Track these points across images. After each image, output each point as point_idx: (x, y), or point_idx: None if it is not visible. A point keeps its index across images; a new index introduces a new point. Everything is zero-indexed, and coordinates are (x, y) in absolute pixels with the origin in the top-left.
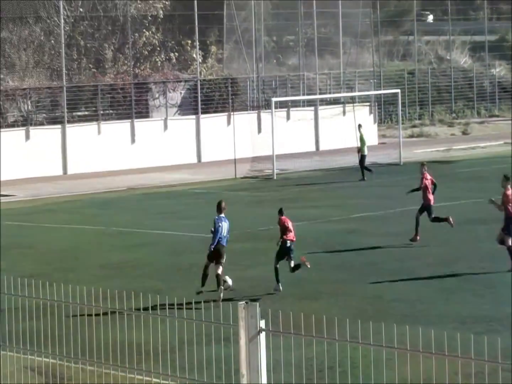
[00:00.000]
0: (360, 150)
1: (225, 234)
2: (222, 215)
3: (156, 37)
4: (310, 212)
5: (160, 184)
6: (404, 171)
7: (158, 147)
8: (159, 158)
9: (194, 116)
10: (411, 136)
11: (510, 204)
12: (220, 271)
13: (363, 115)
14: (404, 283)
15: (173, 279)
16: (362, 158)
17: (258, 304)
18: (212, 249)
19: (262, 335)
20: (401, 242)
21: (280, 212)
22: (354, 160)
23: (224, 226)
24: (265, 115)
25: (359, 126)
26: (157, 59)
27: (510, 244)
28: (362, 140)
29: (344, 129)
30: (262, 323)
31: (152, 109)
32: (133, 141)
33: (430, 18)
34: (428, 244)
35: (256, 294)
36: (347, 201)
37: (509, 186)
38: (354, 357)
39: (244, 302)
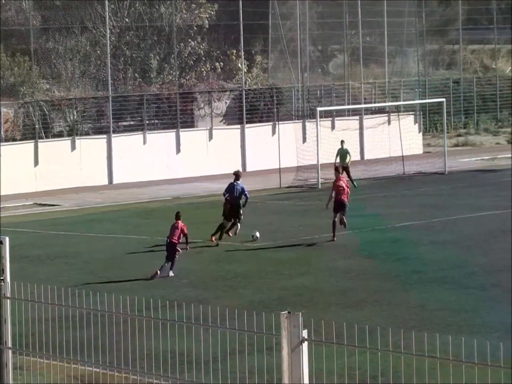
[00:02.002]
0: (341, 165)
1: (236, 195)
2: (239, 181)
3: (201, 46)
4: (354, 221)
5: (205, 193)
6: (449, 180)
7: (203, 156)
8: (204, 167)
9: (239, 126)
10: (456, 145)
11: None
12: (237, 230)
13: (408, 124)
14: (447, 292)
15: (218, 288)
16: (347, 169)
17: (300, 313)
18: (227, 205)
19: (305, 345)
20: (445, 251)
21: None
22: (399, 169)
23: (237, 188)
24: (310, 125)
25: (342, 142)
26: (203, 69)
27: None
28: (345, 155)
29: (388, 138)
30: (305, 333)
31: (197, 119)
32: (178, 150)
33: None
34: (472, 253)
35: (300, 304)
36: (391, 210)
37: None
38: (396, 367)
39: (286, 311)
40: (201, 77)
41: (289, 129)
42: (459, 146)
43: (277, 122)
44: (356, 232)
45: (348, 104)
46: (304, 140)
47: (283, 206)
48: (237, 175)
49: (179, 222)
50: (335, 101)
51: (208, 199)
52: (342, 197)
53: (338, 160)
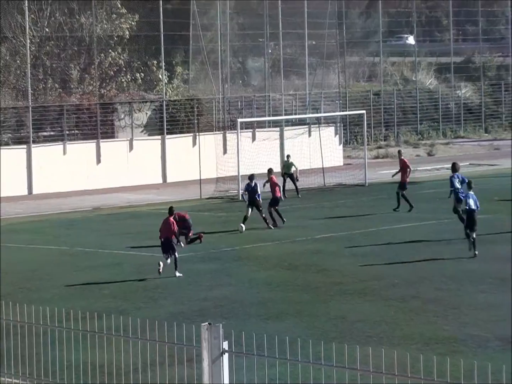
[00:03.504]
0: (286, 173)
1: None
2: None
3: (122, 57)
4: (275, 233)
5: (125, 204)
6: (369, 192)
7: (124, 167)
8: (124, 178)
9: (159, 137)
10: (377, 157)
11: None
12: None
13: (329, 136)
14: (368, 303)
15: (138, 299)
16: (292, 177)
17: (221, 325)
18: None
19: (225, 356)
20: (365, 262)
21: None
22: (319, 180)
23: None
24: (230, 136)
25: (288, 156)
26: (123, 80)
27: None
28: (290, 166)
29: (309, 150)
30: (225, 344)
31: (118, 129)
32: (98, 161)
33: (411, 39)
34: (393, 264)
35: (220, 315)
36: (312, 222)
37: None
38: (317, 378)
39: (207, 323)
40: (122, 88)
41: (210, 140)
42: (379, 158)
43: (197, 133)
44: (276, 243)
45: (269, 115)
46: (225, 151)
47: (203, 217)
48: (251, 177)
49: (171, 218)
50: (256, 113)
51: (129, 209)
52: (276, 194)
53: (285, 171)
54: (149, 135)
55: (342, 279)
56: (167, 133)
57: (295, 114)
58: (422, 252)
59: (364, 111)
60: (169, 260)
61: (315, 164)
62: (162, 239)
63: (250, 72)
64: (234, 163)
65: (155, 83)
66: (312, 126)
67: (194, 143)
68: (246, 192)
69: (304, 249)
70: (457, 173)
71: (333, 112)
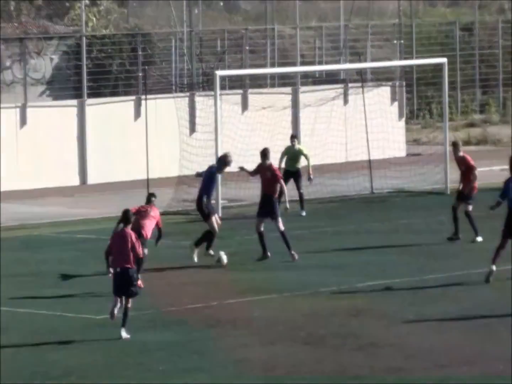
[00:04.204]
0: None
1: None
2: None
3: None
4: (282, 276)
5: (12, 223)
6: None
7: (11, 157)
8: (11, 177)
9: (75, 101)
10: (467, 142)
11: None
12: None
13: (381, 103)
14: None
15: None
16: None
17: None
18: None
19: None
20: (445, 331)
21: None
22: (360, 183)
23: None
24: (203, 101)
25: (293, 137)
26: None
27: None
28: (297, 156)
29: (344, 127)
30: None
31: (2, 88)
32: None
33: None
34: None
35: None
36: (346, 258)
37: None
38: None
39: None
40: (9, 15)
41: (166, 109)
42: (471, 144)
43: (143, 96)
44: (285, 296)
45: (273, 65)
46: (193, 128)
47: (153, 249)
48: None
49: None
50: (250, 60)
51: (18, 233)
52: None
53: (283, 165)
54: (55, 98)
55: (405, 364)
56: (89, 95)
57: (320, 63)
58: None
59: (445, 60)
60: (117, 309)
61: (353, 154)
62: (117, 270)
63: None
64: (210, 150)
65: (67, 5)
66: (350, 85)
67: (137, 114)
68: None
69: (334, 306)
70: None
71: (390, 61)
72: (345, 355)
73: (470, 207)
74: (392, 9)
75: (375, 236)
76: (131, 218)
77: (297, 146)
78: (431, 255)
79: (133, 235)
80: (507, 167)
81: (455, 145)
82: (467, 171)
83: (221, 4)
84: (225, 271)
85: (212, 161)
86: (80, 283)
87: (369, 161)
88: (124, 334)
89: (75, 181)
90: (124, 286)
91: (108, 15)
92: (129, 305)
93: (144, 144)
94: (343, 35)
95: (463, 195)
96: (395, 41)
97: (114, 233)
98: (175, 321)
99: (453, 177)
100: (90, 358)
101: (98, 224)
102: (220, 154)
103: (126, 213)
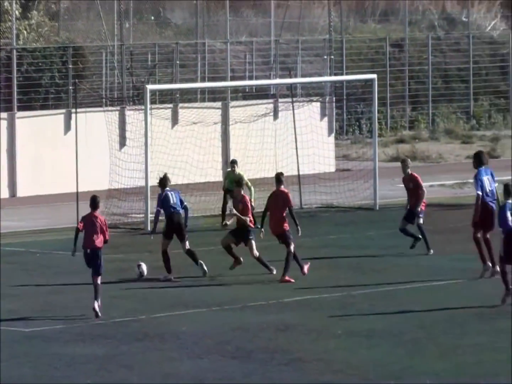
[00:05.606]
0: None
1: (176, 202)
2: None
3: None
4: (210, 292)
5: None
6: (382, 221)
7: None
8: None
9: (5, 114)
10: (395, 158)
11: None
12: (187, 245)
13: (311, 119)
14: None
15: None
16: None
17: None
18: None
19: None
20: (367, 345)
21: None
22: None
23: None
24: (133, 115)
25: (233, 162)
26: None
27: None
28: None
29: (274, 144)
30: None
31: None
32: None
33: None
34: None
35: None
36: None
37: None
38: None
39: None
40: None
41: (96, 122)
42: (399, 160)
43: (73, 110)
44: (214, 310)
45: (203, 80)
46: (123, 142)
47: (83, 264)
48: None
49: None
50: (180, 75)
51: None
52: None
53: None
54: None
55: (333, 378)
56: (19, 109)
57: (250, 78)
58: None
59: (375, 76)
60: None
61: (283, 169)
62: (87, 251)
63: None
64: (140, 164)
65: None
66: (280, 101)
67: (67, 128)
68: (160, 209)
69: (262, 321)
70: (484, 168)
71: (320, 77)
72: (273, 370)
73: (421, 220)
74: (323, 25)
75: (304, 251)
76: (99, 204)
77: (237, 171)
78: (359, 270)
79: (102, 218)
80: (436, 183)
81: (404, 162)
82: (415, 188)
83: (152, 18)
84: (154, 285)
85: (142, 176)
86: (8, 296)
87: (298, 176)
88: (96, 306)
89: (5, 193)
90: (93, 265)
91: (39, 28)
92: (99, 281)
93: (74, 157)
94: (274, 50)
95: (412, 213)
96: (325, 57)
97: (84, 217)
98: (103, 334)
99: (382, 193)
100: (18, 371)
101: (27, 237)
102: (149, 168)
103: (94, 199)
